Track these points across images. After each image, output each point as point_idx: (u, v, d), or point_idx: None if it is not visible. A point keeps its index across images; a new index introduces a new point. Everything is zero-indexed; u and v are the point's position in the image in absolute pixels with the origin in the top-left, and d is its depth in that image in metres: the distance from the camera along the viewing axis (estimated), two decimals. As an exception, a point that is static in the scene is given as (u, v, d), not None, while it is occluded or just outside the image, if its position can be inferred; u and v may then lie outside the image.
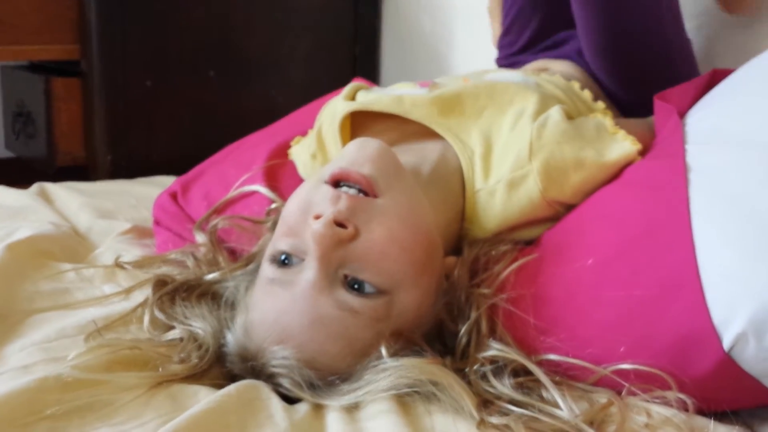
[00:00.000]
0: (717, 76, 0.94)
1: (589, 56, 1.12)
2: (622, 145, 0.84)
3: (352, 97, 0.97)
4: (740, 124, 0.78)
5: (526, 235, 0.85)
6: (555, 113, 0.86)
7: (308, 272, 0.68)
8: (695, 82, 0.96)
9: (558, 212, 0.84)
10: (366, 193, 0.71)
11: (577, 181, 0.82)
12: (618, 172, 0.84)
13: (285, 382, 0.68)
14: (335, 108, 0.95)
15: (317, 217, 0.68)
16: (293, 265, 0.70)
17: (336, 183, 0.72)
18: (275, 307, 0.69)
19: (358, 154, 0.74)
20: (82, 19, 1.72)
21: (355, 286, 0.68)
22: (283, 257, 0.71)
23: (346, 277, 0.69)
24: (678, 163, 0.76)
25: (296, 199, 0.73)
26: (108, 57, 1.72)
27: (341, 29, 2.03)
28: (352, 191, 0.71)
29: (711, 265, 0.67)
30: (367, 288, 0.69)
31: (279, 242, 0.72)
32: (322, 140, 0.97)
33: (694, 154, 0.77)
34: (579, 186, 0.82)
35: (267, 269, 0.72)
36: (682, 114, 0.88)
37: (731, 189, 0.71)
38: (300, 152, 1.02)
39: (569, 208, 0.84)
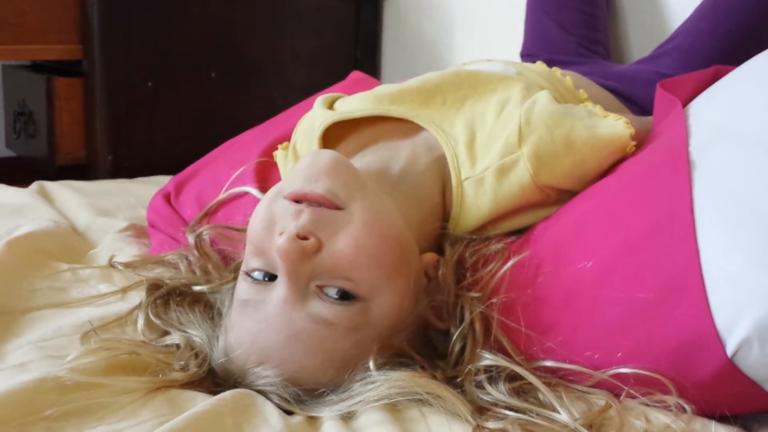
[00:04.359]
0: (719, 74, 0.93)
1: None
2: (614, 124, 0.83)
3: (330, 106, 0.95)
4: (745, 121, 0.76)
5: (515, 225, 0.84)
6: (542, 97, 0.84)
7: (279, 289, 0.68)
8: (697, 75, 0.95)
9: (549, 197, 0.82)
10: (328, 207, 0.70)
11: (567, 164, 0.81)
12: (611, 158, 0.82)
13: (273, 398, 0.68)
14: (312, 121, 0.93)
15: (281, 234, 0.67)
16: (267, 282, 0.70)
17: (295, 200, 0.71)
18: (251, 329, 0.69)
19: (312, 170, 0.72)
20: (84, 20, 1.72)
21: (336, 295, 0.68)
22: (259, 274, 0.70)
23: (320, 288, 0.68)
24: (681, 161, 0.74)
25: (258, 218, 0.72)
26: (110, 58, 1.73)
27: (342, 32, 2.04)
28: (314, 204, 0.70)
29: (715, 268, 0.66)
30: (345, 294, 0.68)
31: (250, 261, 0.72)
32: (298, 157, 0.95)
33: (698, 151, 0.75)
34: (570, 169, 0.81)
35: (241, 289, 0.72)
36: (683, 104, 0.86)
37: (736, 190, 0.69)
38: (282, 166, 1.01)
39: (559, 192, 0.83)
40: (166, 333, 0.78)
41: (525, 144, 0.80)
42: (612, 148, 0.82)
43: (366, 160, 0.85)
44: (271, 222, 0.70)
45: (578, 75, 1.11)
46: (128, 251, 1.02)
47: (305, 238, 0.67)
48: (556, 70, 1.04)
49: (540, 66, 1.04)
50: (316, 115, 0.93)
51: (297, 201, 0.70)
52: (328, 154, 0.74)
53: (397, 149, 0.86)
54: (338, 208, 0.70)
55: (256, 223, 0.72)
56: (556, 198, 0.83)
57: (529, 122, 0.81)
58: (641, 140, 0.85)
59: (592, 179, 0.83)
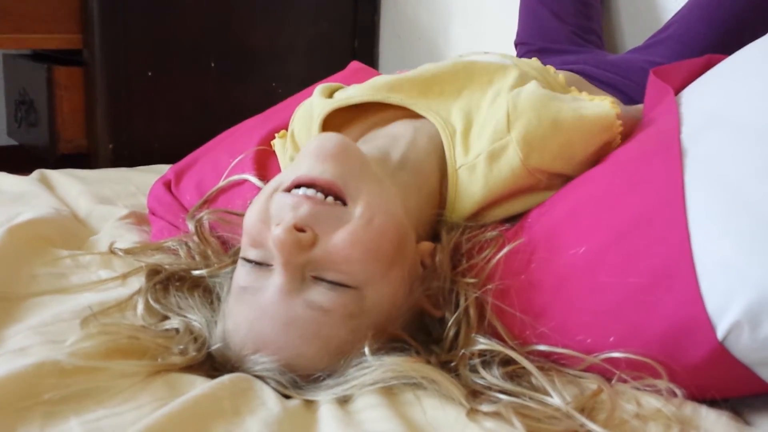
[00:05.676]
0: (712, 62, 0.93)
1: None
2: (599, 104, 0.83)
3: (330, 96, 0.95)
4: (737, 109, 0.76)
5: (508, 211, 0.85)
6: (530, 84, 0.85)
7: (276, 278, 0.68)
8: (690, 64, 0.96)
9: (540, 181, 0.83)
10: (333, 197, 0.71)
11: (555, 146, 0.81)
12: (598, 138, 0.83)
13: (271, 383, 0.69)
14: (311, 108, 0.93)
15: (279, 225, 0.68)
16: (264, 268, 0.70)
17: (298, 185, 0.71)
18: (248, 316, 0.69)
19: (320, 153, 0.72)
20: (84, 9, 1.73)
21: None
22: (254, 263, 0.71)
23: (314, 278, 0.68)
24: (673, 148, 0.74)
25: (256, 210, 0.72)
26: (110, 47, 1.73)
27: (340, 22, 2.04)
28: (311, 191, 0.70)
29: (706, 254, 0.66)
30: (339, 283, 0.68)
31: (246, 252, 0.72)
32: (296, 144, 0.96)
33: (690, 138, 0.75)
34: (558, 151, 0.82)
35: (239, 275, 0.72)
36: (675, 92, 0.87)
37: (727, 177, 0.69)
38: (280, 154, 1.01)
39: (550, 177, 0.83)
40: (166, 318, 0.78)
41: (513, 129, 0.81)
42: (599, 127, 0.82)
43: (366, 147, 0.85)
44: (267, 215, 0.70)
45: (570, 74, 1.11)
46: (128, 238, 1.02)
47: (302, 230, 0.68)
48: (550, 68, 1.04)
49: (535, 62, 1.05)
50: (316, 103, 0.93)
51: (306, 186, 0.71)
52: (336, 137, 0.75)
53: (396, 137, 0.87)
54: (343, 200, 0.70)
55: (252, 215, 0.72)
56: (548, 183, 0.83)
57: (516, 107, 0.81)
58: (630, 127, 0.85)
59: (582, 162, 0.83)
